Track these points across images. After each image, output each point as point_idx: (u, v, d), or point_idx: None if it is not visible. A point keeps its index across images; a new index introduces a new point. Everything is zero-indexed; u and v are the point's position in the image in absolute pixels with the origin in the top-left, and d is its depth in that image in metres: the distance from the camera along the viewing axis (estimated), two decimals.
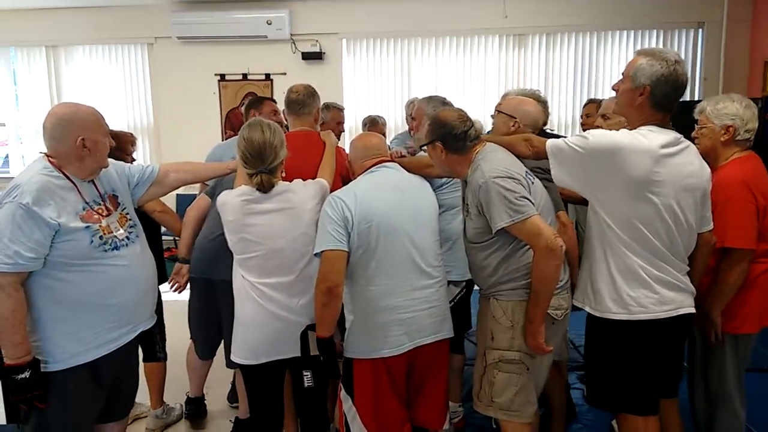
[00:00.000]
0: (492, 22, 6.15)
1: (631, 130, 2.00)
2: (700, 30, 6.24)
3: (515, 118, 2.39)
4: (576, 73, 6.40)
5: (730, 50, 6.05)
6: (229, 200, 2.24)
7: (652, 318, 1.97)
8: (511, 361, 2.12)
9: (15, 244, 1.83)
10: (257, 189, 2.19)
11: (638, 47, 6.28)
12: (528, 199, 2.01)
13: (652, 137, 1.93)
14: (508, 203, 1.98)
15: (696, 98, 6.23)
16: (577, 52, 6.39)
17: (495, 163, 2.08)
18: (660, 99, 1.96)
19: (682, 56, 6.20)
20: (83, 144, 1.95)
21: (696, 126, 2.42)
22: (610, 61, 6.38)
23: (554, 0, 6.21)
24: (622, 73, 2.05)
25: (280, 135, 2.23)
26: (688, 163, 2.00)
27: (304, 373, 2.23)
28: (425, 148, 2.24)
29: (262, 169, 2.16)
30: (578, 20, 6.26)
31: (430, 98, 2.98)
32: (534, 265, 2.01)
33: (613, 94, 2.23)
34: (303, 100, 2.69)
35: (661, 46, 6.21)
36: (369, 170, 2.27)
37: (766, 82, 5.72)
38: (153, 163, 2.40)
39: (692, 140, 2.47)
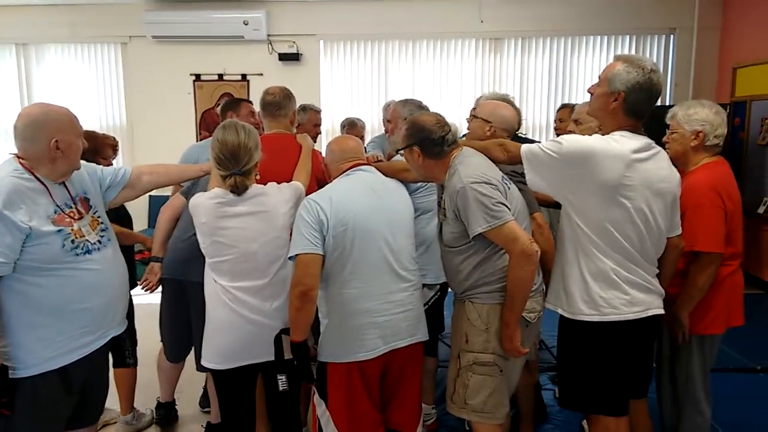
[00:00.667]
0: (468, 26, 6.20)
1: (603, 134, 2.03)
2: (672, 36, 6.37)
3: (490, 122, 2.41)
4: (551, 77, 6.48)
5: (700, 56, 6.19)
6: (202, 203, 2.21)
7: (622, 319, 2.00)
8: (485, 363, 2.13)
9: None
10: (231, 191, 2.17)
11: (612, 52, 6.40)
12: (504, 204, 2.03)
13: (624, 142, 1.97)
14: (485, 209, 1.99)
15: (667, 103, 6.34)
16: (552, 57, 6.47)
17: (472, 168, 2.09)
18: (633, 105, 1.99)
19: (654, 61, 6.38)
20: (56, 146, 1.92)
21: (667, 131, 2.46)
22: (584, 65, 6.47)
23: (530, 5, 6.28)
24: (599, 77, 2.07)
25: (255, 137, 2.21)
26: (659, 168, 2.04)
27: (279, 377, 2.22)
28: (402, 152, 2.25)
29: (236, 171, 2.15)
30: (553, 25, 6.34)
31: (405, 101, 3.00)
32: (510, 270, 2.03)
33: (587, 98, 2.26)
34: (279, 102, 2.68)
35: (633, 51, 6.36)
36: (345, 173, 2.27)
37: (734, 87, 5.87)
38: (125, 166, 2.37)
39: (663, 145, 2.51)
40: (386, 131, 4.21)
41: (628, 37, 6.41)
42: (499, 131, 2.40)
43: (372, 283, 2.13)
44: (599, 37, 6.42)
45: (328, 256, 2.10)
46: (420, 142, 2.15)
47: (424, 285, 2.50)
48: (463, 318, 2.17)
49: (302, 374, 2.20)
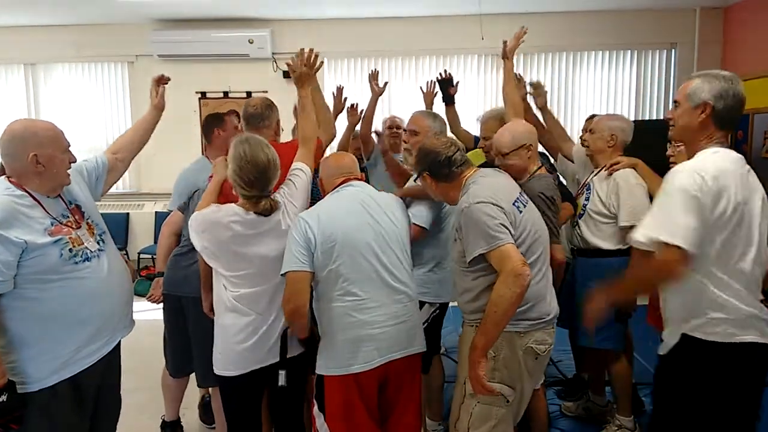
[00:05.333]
0: (471, 42, 6.24)
1: (691, 154, 1.90)
2: (673, 50, 6.40)
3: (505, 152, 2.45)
4: (552, 92, 6.49)
5: (701, 70, 6.19)
6: (220, 220, 2.16)
7: (738, 341, 1.79)
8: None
9: None
10: (261, 214, 2.16)
11: (613, 67, 6.45)
12: (506, 227, 2.02)
13: (731, 157, 1.82)
14: (487, 229, 1.99)
15: (670, 117, 6.36)
16: (553, 72, 6.51)
17: (482, 188, 2.10)
18: (723, 113, 1.86)
19: (656, 76, 6.43)
20: (36, 160, 1.92)
21: (669, 145, 2.46)
22: (586, 80, 6.51)
23: (531, 21, 6.27)
24: (675, 100, 1.97)
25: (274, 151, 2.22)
26: (757, 183, 1.90)
27: (279, 372, 2.22)
28: (418, 180, 2.28)
29: (266, 194, 2.16)
30: (555, 41, 6.38)
31: (435, 116, 2.96)
32: (495, 287, 1.97)
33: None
34: (261, 113, 2.63)
35: (635, 66, 6.39)
36: (336, 189, 2.28)
37: None
38: (96, 155, 2.35)
39: (668, 159, 2.51)
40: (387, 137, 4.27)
41: (629, 51, 6.45)
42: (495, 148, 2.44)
43: (364, 296, 2.13)
44: (601, 52, 6.47)
45: (319, 271, 2.11)
46: (429, 166, 2.18)
47: (425, 302, 2.52)
48: (468, 344, 2.13)
49: (311, 362, 2.23)
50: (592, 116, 3.86)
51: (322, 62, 2.54)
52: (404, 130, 3.07)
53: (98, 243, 2.09)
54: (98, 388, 2.10)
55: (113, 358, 2.21)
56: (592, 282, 2.82)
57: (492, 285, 2.03)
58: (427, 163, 2.17)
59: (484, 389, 2.02)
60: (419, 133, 2.83)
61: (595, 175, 2.92)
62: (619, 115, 3.17)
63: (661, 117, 6.38)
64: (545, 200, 2.36)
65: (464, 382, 2.16)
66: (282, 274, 2.10)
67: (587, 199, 2.90)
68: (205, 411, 3.27)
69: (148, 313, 2.82)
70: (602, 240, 2.83)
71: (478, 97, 6.54)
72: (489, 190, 2.10)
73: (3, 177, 1.99)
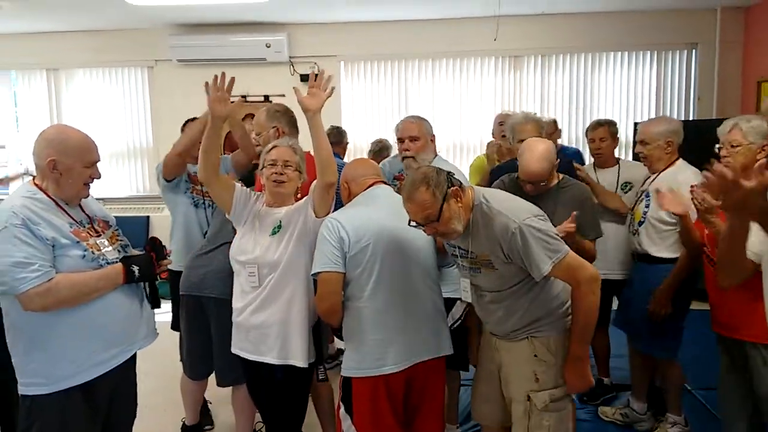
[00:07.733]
0: (488, 44, 6.22)
1: None
2: (694, 51, 6.31)
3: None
4: (571, 93, 6.45)
5: (723, 70, 6.13)
6: None
7: None
8: (561, 398, 2.06)
9: (32, 258, 1.83)
10: None
11: (633, 68, 6.36)
12: (558, 234, 1.99)
13: None
14: (545, 244, 1.92)
15: (691, 118, 6.28)
16: (572, 73, 6.45)
17: (509, 202, 2.05)
18: None
19: (676, 76, 6.34)
20: (53, 166, 1.94)
21: (721, 147, 2.39)
22: (605, 81, 6.44)
23: (549, 22, 6.29)
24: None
25: None
26: None
27: (318, 368, 2.40)
28: (443, 209, 1.94)
29: None
30: (573, 42, 6.33)
31: (425, 119, 3.04)
32: (580, 299, 1.95)
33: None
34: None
35: (655, 66, 6.30)
36: (366, 190, 2.29)
37: (759, 101, 5.78)
38: None
39: (719, 159, 2.41)
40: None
41: (649, 52, 6.36)
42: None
43: (395, 297, 2.14)
44: (620, 52, 6.39)
45: (351, 272, 2.12)
46: (450, 181, 1.98)
47: (458, 299, 2.51)
48: (526, 356, 2.08)
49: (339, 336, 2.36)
50: (598, 123, 3.52)
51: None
52: (400, 140, 2.94)
53: (118, 252, 2.10)
54: (111, 396, 2.10)
55: (129, 369, 2.21)
56: (652, 289, 2.76)
57: (538, 295, 2.04)
58: (446, 179, 1.96)
59: (592, 385, 2.10)
60: (419, 138, 2.86)
61: (653, 180, 2.86)
62: (663, 117, 3.10)
63: (682, 118, 6.30)
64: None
65: (527, 398, 2.07)
66: (313, 275, 2.12)
67: (647, 206, 2.82)
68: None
69: (167, 315, 2.84)
70: (663, 249, 2.78)
71: (495, 99, 6.51)
72: (516, 202, 2.06)
73: (29, 180, 2.03)
